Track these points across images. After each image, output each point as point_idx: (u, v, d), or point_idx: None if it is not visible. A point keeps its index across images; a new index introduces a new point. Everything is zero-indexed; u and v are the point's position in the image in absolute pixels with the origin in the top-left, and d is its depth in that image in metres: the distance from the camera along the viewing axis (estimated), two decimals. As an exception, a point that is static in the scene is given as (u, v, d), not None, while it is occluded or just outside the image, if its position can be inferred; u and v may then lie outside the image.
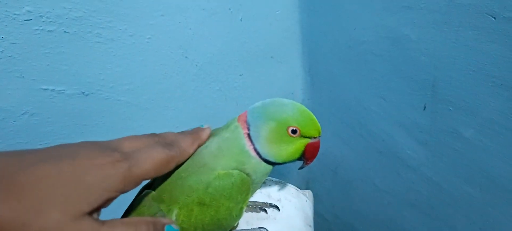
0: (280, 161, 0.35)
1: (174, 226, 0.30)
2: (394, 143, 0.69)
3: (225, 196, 0.33)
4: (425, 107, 0.59)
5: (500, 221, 0.56)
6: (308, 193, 0.45)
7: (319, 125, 0.35)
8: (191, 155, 0.33)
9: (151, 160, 0.28)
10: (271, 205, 0.41)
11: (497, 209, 0.55)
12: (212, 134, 0.36)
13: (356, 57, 0.68)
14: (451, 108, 0.55)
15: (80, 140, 0.29)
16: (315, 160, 0.38)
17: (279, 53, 0.79)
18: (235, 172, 0.33)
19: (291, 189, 0.44)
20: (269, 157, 0.34)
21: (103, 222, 0.25)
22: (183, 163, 0.33)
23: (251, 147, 0.34)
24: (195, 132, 0.34)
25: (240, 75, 0.75)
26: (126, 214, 0.38)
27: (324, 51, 0.76)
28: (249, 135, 0.34)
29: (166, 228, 0.29)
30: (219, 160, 0.33)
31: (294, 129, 0.33)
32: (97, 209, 0.25)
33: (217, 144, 0.34)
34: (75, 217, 0.23)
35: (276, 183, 0.46)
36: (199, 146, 0.34)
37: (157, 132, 0.34)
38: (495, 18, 0.44)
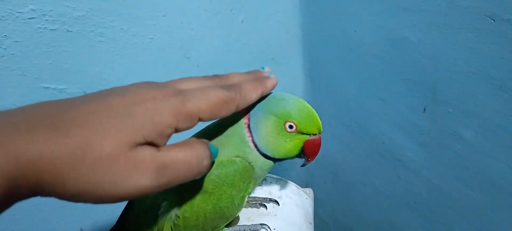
0: (277, 156, 0.34)
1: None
2: (394, 145, 0.69)
3: (227, 183, 0.33)
4: (425, 109, 0.59)
5: (500, 224, 0.56)
6: (309, 190, 0.45)
7: (319, 121, 0.35)
8: (254, 101, 0.31)
9: (207, 98, 0.26)
10: (271, 200, 0.41)
11: (497, 212, 0.55)
12: (215, 121, 0.36)
13: (357, 59, 0.69)
14: (451, 110, 0.55)
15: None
16: (314, 161, 0.37)
17: (280, 55, 0.79)
18: (238, 159, 0.33)
19: (291, 186, 0.44)
20: (266, 151, 0.34)
21: (160, 148, 0.24)
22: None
23: (250, 138, 0.34)
24: (260, 78, 0.32)
25: (241, 76, 0.75)
26: (130, 204, 0.38)
27: (325, 53, 0.77)
28: (249, 126, 0.34)
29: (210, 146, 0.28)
30: (222, 149, 0.33)
31: (291, 124, 0.33)
32: (153, 144, 0.24)
33: (219, 130, 0.34)
34: (129, 147, 0.22)
35: (276, 180, 0.46)
36: (262, 94, 0.32)
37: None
38: (494, 20, 0.45)
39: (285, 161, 0.37)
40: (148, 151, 0.23)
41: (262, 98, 0.34)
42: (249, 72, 0.34)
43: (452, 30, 0.50)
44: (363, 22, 0.64)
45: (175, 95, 0.25)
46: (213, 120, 0.27)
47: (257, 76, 0.33)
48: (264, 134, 0.33)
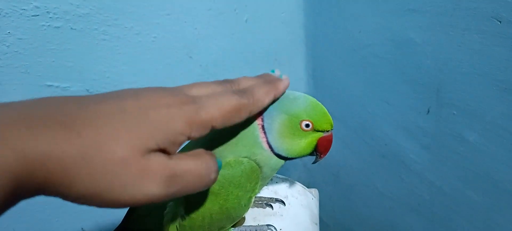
0: (292, 156, 0.35)
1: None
2: (397, 147, 0.69)
3: (234, 184, 0.32)
4: (429, 111, 0.59)
5: (503, 227, 0.56)
6: (314, 191, 0.45)
7: (331, 118, 0.35)
8: (267, 105, 0.31)
9: (220, 106, 0.25)
10: (277, 200, 0.41)
11: (500, 214, 0.55)
12: None
13: (360, 61, 0.68)
14: (455, 112, 0.55)
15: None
16: (317, 163, 0.37)
17: (283, 55, 0.79)
18: (245, 160, 0.33)
19: (297, 186, 0.44)
20: (281, 152, 0.34)
21: (171, 156, 0.23)
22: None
23: (264, 139, 0.33)
24: (272, 81, 0.32)
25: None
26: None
27: (328, 54, 0.77)
28: (263, 127, 0.34)
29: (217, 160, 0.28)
30: (231, 149, 0.33)
31: (307, 123, 0.33)
32: (165, 151, 0.23)
33: (231, 130, 0.34)
34: (141, 153, 0.21)
35: (282, 180, 0.46)
36: (274, 98, 0.32)
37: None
38: (500, 22, 0.45)
39: (286, 162, 0.37)
40: (160, 158, 0.22)
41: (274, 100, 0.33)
42: (259, 76, 0.33)
43: (457, 31, 0.50)
44: (367, 23, 0.64)
45: (189, 103, 0.24)
46: (226, 126, 0.27)
47: (268, 79, 0.33)
48: (280, 134, 0.33)
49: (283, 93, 0.33)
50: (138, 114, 0.22)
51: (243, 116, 0.28)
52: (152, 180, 0.22)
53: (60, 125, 0.20)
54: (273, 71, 0.35)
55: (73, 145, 0.20)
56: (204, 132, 0.25)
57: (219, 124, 0.26)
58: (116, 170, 0.21)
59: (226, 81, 0.30)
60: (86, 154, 0.20)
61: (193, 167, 0.24)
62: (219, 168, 0.27)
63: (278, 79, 0.33)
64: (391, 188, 0.76)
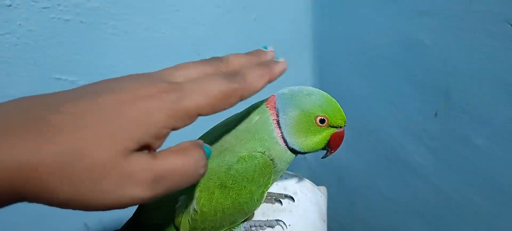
0: (305, 150, 0.35)
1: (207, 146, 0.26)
2: (403, 150, 0.69)
3: (247, 178, 0.32)
4: (436, 114, 0.59)
5: (509, 233, 0.55)
6: (323, 188, 0.45)
7: (344, 114, 0.35)
8: (260, 90, 0.27)
9: (207, 92, 0.23)
10: (286, 196, 0.41)
11: (506, 220, 0.55)
12: (236, 115, 0.36)
13: (367, 62, 0.68)
14: (463, 116, 0.55)
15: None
16: (319, 165, 0.38)
17: (290, 55, 0.78)
18: (259, 154, 0.33)
19: (307, 183, 0.44)
20: (295, 146, 0.34)
21: (155, 155, 0.22)
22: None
23: (280, 134, 0.34)
24: (267, 64, 0.28)
25: (250, 75, 0.75)
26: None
27: (335, 55, 0.76)
28: (278, 122, 0.34)
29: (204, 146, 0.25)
30: (244, 143, 0.33)
31: (323, 118, 0.34)
32: (148, 147, 0.22)
33: (245, 126, 0.34)
34: (122, 155, 0.20)
35: (292, 176, 0.46)
36: (269, 82, 0.28)
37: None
38: (511, 25, 0.44)
39: (290, 164, 0.37)
40: (143, 159, 0.21)
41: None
42: (251, 54, 0.30)
43: (467, 34, 0.49)
44: (376, 25, 0.63)
45: (171, 91, 0.22)
46: (214, 114, 0.25)
47: (262, 60, 0.30)
48: (295, 129, 0.34)
49: (278, 77, 0.29)
50: (115, 112, 0.21)
51: (233, 102, 0.25)
52: (135, 183, 0.21)
53: (34, 133, 0.19)
54: (265, 47, 0.32)
55: (48, 153, 0.19)
56: (189, 121, 0.23)
57: (206, 111, 0.24)
58: (96, 176, 0.20)
59: (213, 60, 0.28)
60: (63, 162, 0.19)
61: (179, 165, 0.23)
62: (208, 155, 0.25)
63: (274, 61, 0.29)
64: (395, 192, 0.75)
